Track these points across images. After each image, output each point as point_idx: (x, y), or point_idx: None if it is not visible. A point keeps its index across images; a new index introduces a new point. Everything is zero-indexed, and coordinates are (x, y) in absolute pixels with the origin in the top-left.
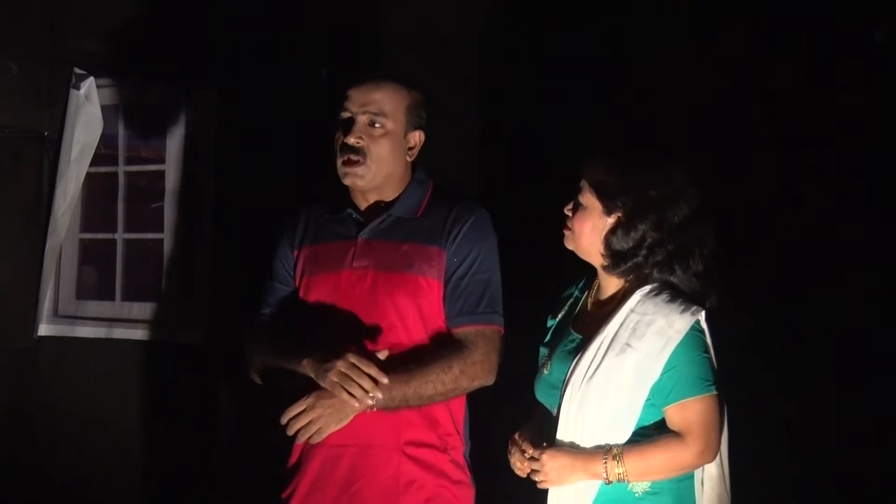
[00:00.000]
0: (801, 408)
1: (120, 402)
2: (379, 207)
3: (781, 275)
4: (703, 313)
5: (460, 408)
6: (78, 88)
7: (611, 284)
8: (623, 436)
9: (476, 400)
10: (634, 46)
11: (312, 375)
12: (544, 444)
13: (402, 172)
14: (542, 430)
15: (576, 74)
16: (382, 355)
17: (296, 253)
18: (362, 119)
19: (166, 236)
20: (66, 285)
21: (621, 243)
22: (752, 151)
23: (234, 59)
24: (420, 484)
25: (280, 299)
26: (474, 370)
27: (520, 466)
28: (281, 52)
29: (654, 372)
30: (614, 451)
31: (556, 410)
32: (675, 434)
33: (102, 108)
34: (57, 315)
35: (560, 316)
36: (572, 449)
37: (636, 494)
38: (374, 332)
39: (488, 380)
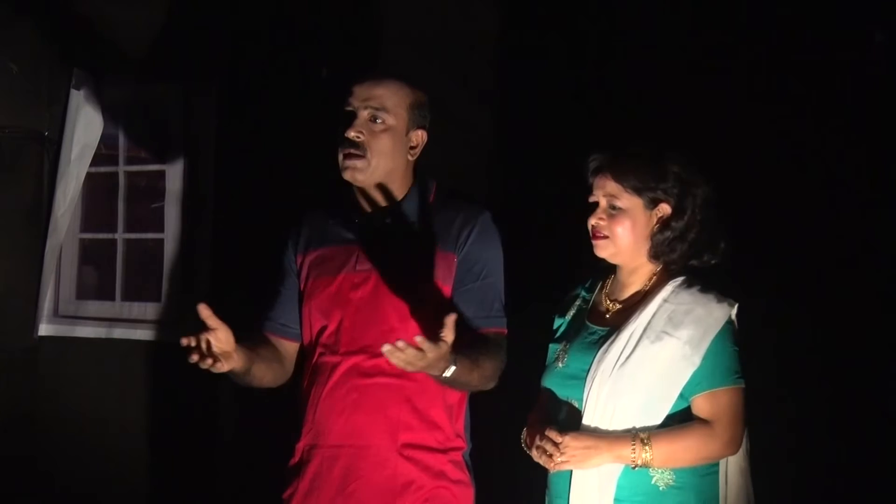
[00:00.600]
0: (800, 408)
1: (120, 402)
2: (382, 208)
3: (781, 274)
4: (736, 305)
5: (461, 408)
6: (78, 88)
7: (635, 280)
8: (654, 421)
9: (477, 400)
10: (635, 44)
11: None
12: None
13: (404, 171)
14: (551, 421)
15: (577, 75)
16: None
17: (300, 258)
18: (364, 114)
19: (166, 236)
20: (66, 285)
21: (671, 231)
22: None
23: (233, 59)
24: (418, 484)
25: (283, 304)
26: (495, 372)
27: (548, 449)
28: (281, 52)
29: (696, 359)
30: (642, 435)
31: (577, 400)
32: (704, 422)
33: (102, 108)
34: (57, 315)
35: (571, 314)
36: (596, 432)
37: (660, 488)
38: (375, 334)
39: (496, 382)
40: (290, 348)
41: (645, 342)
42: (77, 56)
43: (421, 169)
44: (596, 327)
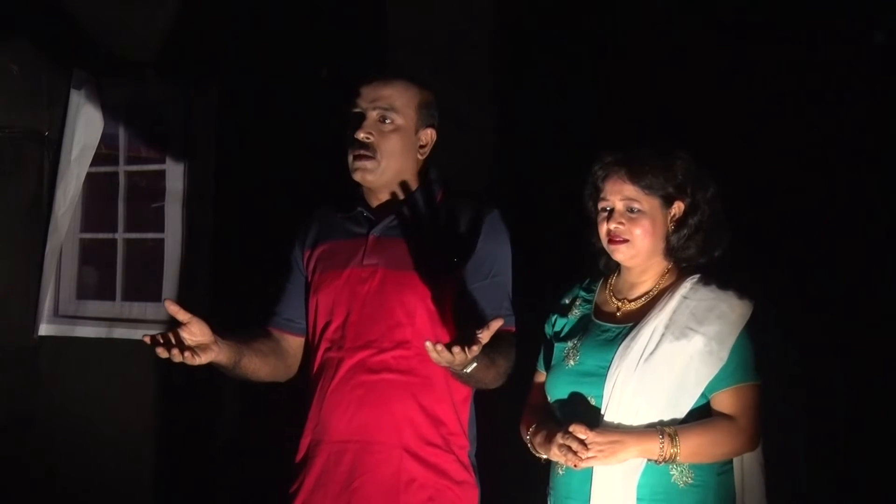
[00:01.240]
0: (810, 404)
1: (120, 402)
2: (391, 206)
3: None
4: (755, 302)
5: (466, 407)
6: (78, 88)
7: (647, 279)
8: (678, 416)
9: (482, 400)
10: (637, 44)
11: None
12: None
13: (414, 170)
14: (559, 420)
15: (579, 75)
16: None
17: (307, 252)
18: (372, 114)
19: (166, 236)
20: (66, 285)
21: (687, 229)
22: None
23: (233, 59)
24: (421, 483)
25: (288, 299)
26: (507, 370)
27: (574, 446)
28: (281, 52)
29: (724, 354)
30: (669, 430)
31: (595, 396)
32: (727, 417)
33: (102, 108)
34: (57, 315)
35: (576, 313)
36: (619, 428)
37: (680, 486)
38: (381, 329)
39: (504, 381)
40: (294, 343)
41: (669, 338)
42: (77, 56)
43: (430, 167)
44: (609, 325)
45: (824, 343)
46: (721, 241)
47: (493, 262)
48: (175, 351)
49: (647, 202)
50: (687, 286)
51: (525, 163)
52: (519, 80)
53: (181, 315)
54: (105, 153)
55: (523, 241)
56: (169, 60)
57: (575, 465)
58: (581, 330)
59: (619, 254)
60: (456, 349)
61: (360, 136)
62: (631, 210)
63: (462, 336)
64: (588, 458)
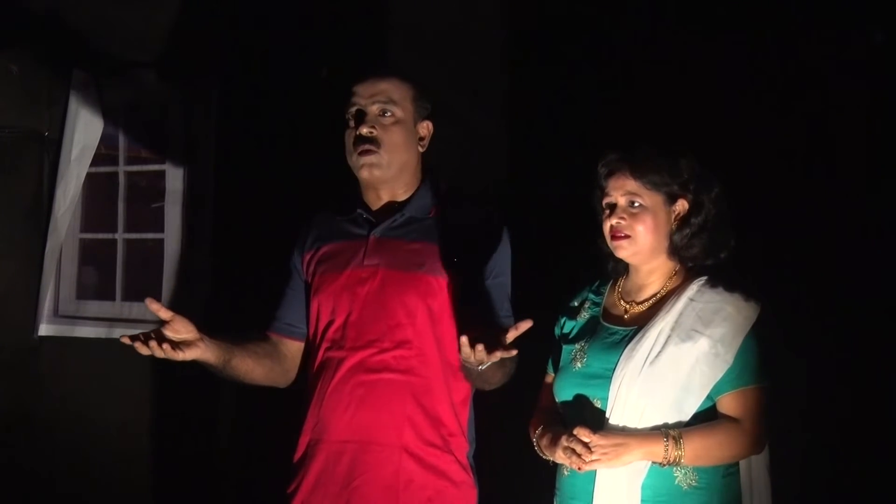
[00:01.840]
0: (815, 407)
1: (120, 402)
2: (391, 207)
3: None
4: (761, 304)
5: (465, 407)
6: (78, 89)
7: (654, 280)
8: (683, 419)
9: (482, 401)
10: (640, 44)
11: None
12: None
13: (415, 166)
14: (567, 422)
15: (581, 75)
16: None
17: (307, 256)
18: (373, 109)
19: (166, 236)
20: (66, 285)
21: (690, 227)
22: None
23: (233, 59)
24: (420, 483)
25: (289, 304)
26: (512, 371)
27: (578, 449)
28: (281, 52)
29: (729, 357)
30: (673, 432)
31: (601, 399)
32: (732, 420)
33: (102, 108)
34: (57, 315)
35: (584, 315)
36: (624, 431)
37: (683, 489)
38: (382, 329)
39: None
40: (293, 347)
41: (675, 340)
42: (77, 56)
43: (430, 167)
44: (616, 327)
45: (830, 345)
46: (727, 242)
47: (494, 262)
48: (153, 344)
49: (649, 198)
50: (693, 288)
51: (527, 163)
52: (522, 81)
53: (162, 313)
54: (105, 153)
55: (523, 242)
56: (169, 61)
57: (579, 468)
58: (589, 332)
59: (622, 250)
60: (497, 352)
61: (364, 130)
62: (632, 204)
63: (485, 335)
64: (592, 460)
